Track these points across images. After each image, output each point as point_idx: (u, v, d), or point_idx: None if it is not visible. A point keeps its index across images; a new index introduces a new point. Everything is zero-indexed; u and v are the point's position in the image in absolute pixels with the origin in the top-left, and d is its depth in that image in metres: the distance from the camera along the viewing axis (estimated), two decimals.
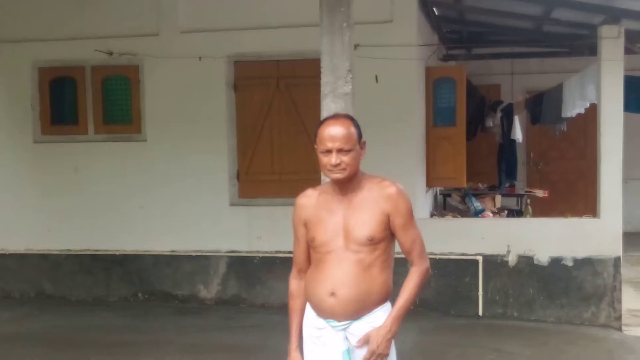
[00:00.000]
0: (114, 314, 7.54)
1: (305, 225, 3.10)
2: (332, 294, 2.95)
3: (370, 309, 2.99)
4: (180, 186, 7.83)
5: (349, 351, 3.00)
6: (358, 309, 2.97)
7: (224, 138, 7.76)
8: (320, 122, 3.09)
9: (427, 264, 3.05)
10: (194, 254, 7.84)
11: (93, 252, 8.06)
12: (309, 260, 3.15)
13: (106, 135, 8.07)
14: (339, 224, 2.99)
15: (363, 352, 2.98)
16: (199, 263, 7.84)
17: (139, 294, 8.00)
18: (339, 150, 2.92)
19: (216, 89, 7.73)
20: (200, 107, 7.75)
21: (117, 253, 8.01)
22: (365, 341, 2.95)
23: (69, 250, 8.11)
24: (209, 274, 7.84)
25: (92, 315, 7.52)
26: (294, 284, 3.20)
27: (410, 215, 3.02)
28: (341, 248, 2.97)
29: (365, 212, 2.98)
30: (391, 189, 3.00)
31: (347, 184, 3.00)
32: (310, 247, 3.09)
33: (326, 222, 3.01)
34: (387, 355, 2.96)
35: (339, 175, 2.95)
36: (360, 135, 3.01)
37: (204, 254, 7.82)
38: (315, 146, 3.02)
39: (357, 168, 3.00)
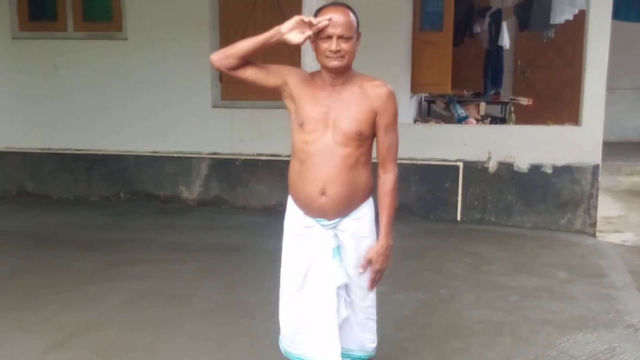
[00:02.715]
0: (96, 213, 7.59)
1: (293, 97, 3.04)
2: (323, 193, 2.98)
3: (356, 206, 3.05)
4: (162, 87, 7.73)
5: (339, 247, 3.06)
6: (347, 206, 3.02)
7: (207, 38, 7.60)
8: (320, 8, 3.03)
9: (396, 170, 3.07)
10: (175, 155, 7.84)
11: (74, 152, 8.04)
12: (251, 65, 3.21)
13: (86, 32, 7.89)
14: (327, 114, 2.96)
15: (351, 246, 3.06)
16: (181, 164, 7.85)
17: (121, 194, 8.03)
18: (339, 37, 2.88)
19: None
20: (183, 6, 7.56)
21: (98, 153, 7.99)
22: (368, 262, 3.04)
23: (50, 148, 8.07)
24: (190, 175, 7.86)
25: (74, 213, 7.58)
26: None
27: (395, 118, 3.02)
28: (329, 142, 2.95)
29: (354, 106, 2.95)
30: (383, 89, 2.98)
31: (339, 76, 2.96)
32: (298, 132, 3.01)
33: (314, 108, 2.97)
34: (387, 267, 3.07)
35: (336, 63, 2.90)
36: (358, 24, 2.96)
37: (186, 155, 7.82)
38: (310, 34, 2.95)
39: (353, 58, 2.95)
